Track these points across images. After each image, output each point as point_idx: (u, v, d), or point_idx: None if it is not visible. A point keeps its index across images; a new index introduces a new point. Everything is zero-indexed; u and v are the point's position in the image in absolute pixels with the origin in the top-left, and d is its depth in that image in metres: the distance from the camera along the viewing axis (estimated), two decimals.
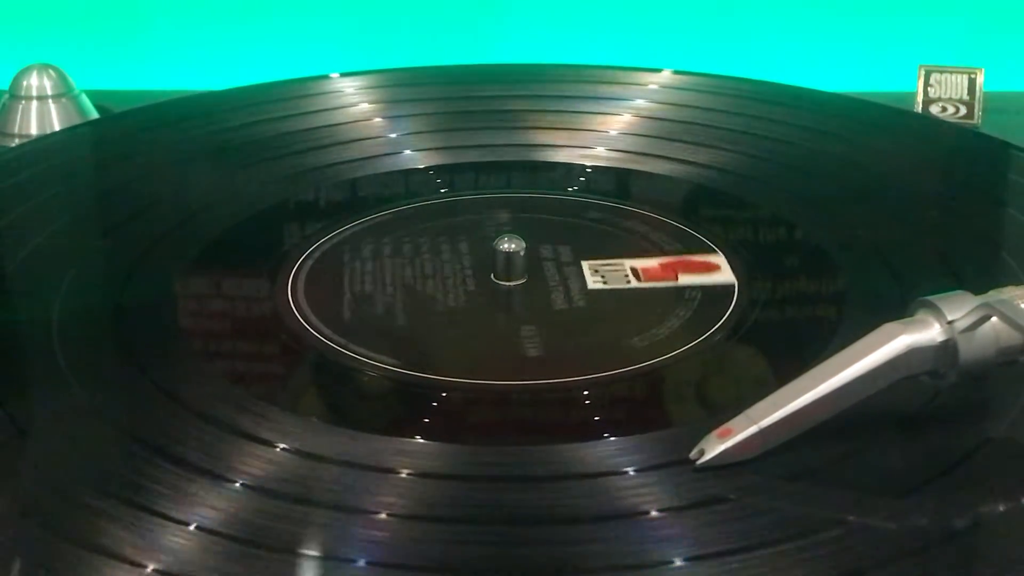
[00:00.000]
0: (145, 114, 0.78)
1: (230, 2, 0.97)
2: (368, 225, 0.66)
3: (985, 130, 0.77)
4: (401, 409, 0.53)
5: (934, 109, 0.81)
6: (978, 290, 0.47)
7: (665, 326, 0.56)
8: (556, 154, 0.73)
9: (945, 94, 0.81)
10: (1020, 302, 0.46)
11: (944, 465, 0.45)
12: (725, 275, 0.59)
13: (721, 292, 0.58)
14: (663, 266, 0.60)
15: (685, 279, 0.58)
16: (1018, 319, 0.45)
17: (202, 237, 0.63)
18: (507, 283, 0.59)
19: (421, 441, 0.48)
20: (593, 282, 0.59)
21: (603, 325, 0.56)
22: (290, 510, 0.43)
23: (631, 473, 0.45)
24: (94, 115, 0.79)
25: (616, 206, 0.68)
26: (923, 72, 0.81)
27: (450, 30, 0.97)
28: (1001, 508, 0.43)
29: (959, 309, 0.46)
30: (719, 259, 0.60)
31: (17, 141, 0.77)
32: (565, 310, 0.57)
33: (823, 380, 0.45)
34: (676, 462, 0.45)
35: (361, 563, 0.41)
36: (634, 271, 0.59)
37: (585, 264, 0.61)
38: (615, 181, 0.71)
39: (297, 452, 0.47)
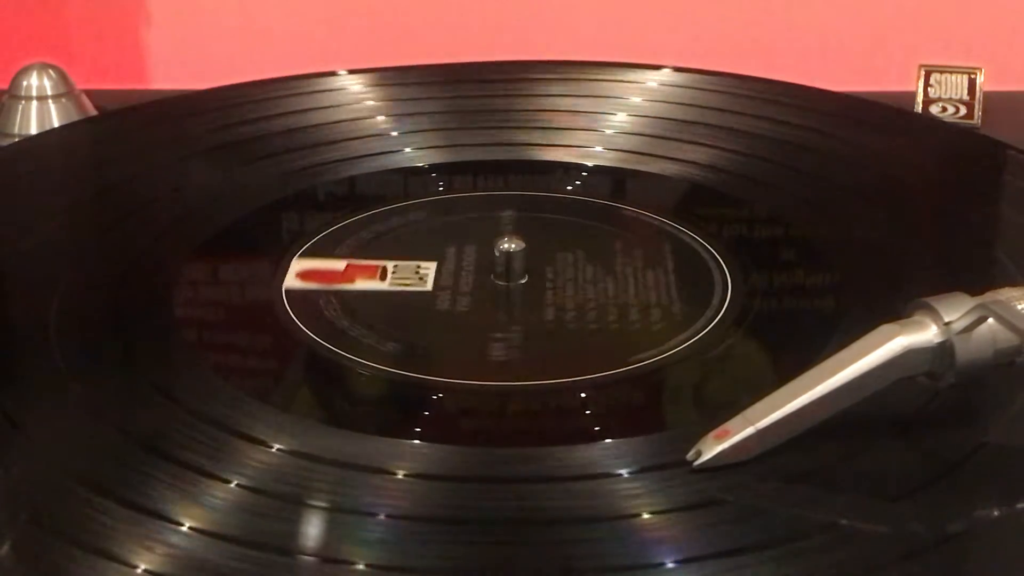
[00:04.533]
0: (144, 111, 0.78)
1: (230, 1, 0.97)
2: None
3: (985, 130, 0.77)
4: (399, 409, 0.53)
5: (934, 109, 0.81)
6: (975, 291, 0.47)
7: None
8: (554, 153, 0.73)
9: (945, 94, 0.81)
10: (1017, 303, 0.46)
11: (941, 468, 0.45)
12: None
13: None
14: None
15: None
16: (1015, 320, 0.45)
17: (200, 235, 0.63)
18: (506, 283, 0.59)
19: (418, 442, 0.48)
20: None
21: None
22: (287, 511, 0.44)
23: (626, 475, 0.45)
24: (94, 115, 0.79)
25: (614, 205, 0.68)
26: (923, 72, 0.81)
27: (450, 28, 0.97)
28: (998, 512, 0.43)
29: (956, 310, 0.46)
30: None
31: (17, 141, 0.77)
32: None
33: (820, 381, 0.45)
34: (672, 464, 0.45)
35: (358, 564, 0.41)
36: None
37: None
38: (613, 180, 0.71)
39: (294, 452, 0.47)
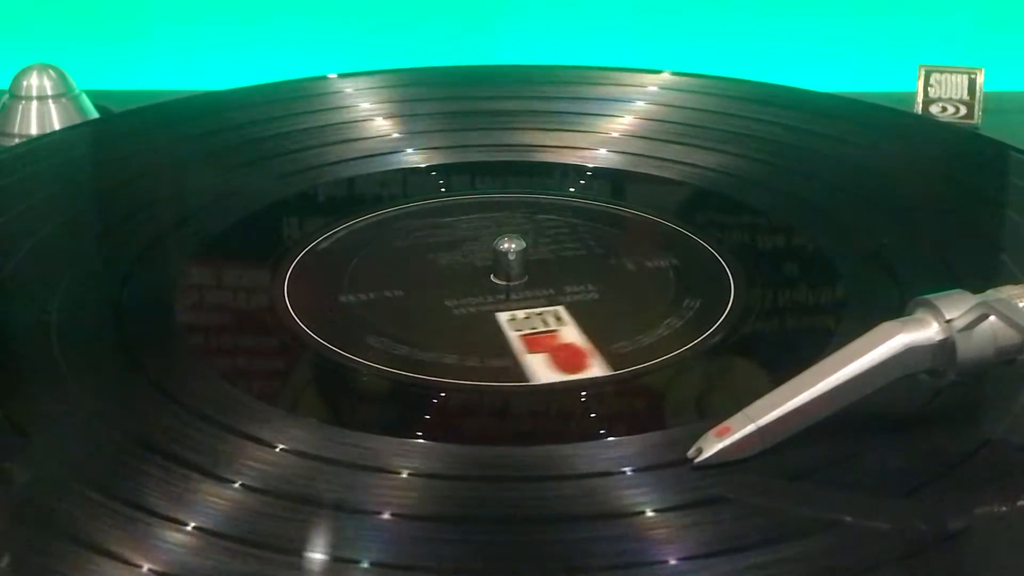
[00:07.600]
0: (144, 114, 0.78)
1: (230, 2, 0.97)
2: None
3: (985, 130, 0.77)
4: (400, 409, 0.53)
5: (934, 109, 0.81)
6: (976, 290, 0.47)
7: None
8: (556, 155, 0.73)
9: (945, 94, 0.81)
10: (1018, 301, 0.46)
11: (943, 466, 0.45)
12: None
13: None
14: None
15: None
16: (1016, 318, 0.45)
17: (201, 236, 0.64)
18: (506, 283, 0.59)
19: (420, 442, 0.48)
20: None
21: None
22: (288, 510, 0.43)
23: (629, 473, 0.45)
24: (94, 115, 0.80)
25: (616, 208, 0.68)
26: (923, 72, 0.81)
27: (451, 31, 0.98)
28: (1000, 509, 0.43)
29: (957, 308, 0.46)
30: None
31: (17, 141, 0.77)
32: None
33: (821, 379, 0.45)
34: (674, 462, 0.45)
35: (360, 563, 0.41)
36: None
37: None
38: (615, 183, 0.71)
39: (295, 452, 0.46)
